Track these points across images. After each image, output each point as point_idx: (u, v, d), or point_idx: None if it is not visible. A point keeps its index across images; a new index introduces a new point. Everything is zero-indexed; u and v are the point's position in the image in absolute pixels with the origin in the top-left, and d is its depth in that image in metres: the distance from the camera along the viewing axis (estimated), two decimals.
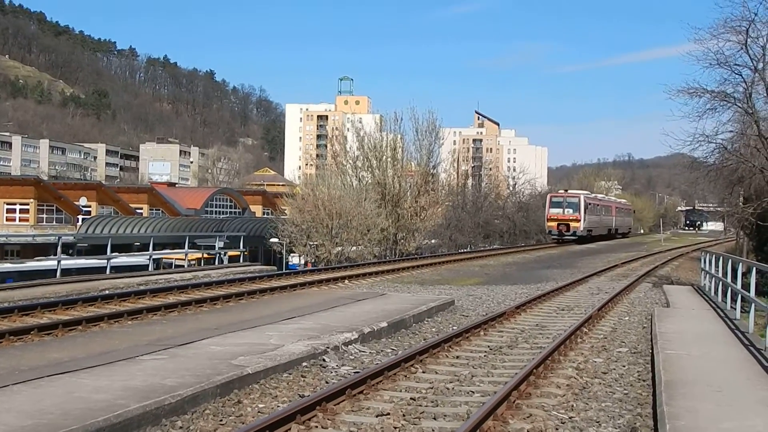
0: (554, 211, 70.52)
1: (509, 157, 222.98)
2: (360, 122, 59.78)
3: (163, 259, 49.57)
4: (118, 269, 35.41)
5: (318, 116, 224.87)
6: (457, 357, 14.94)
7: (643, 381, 13.24)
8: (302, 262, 51.08)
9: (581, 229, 69.20)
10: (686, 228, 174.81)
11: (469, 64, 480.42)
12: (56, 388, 10.45)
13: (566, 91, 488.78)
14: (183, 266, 40.96)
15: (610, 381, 13.17)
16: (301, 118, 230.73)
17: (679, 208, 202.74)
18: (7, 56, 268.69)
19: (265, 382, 12.04)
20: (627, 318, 21.31)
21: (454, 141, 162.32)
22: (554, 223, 69.99)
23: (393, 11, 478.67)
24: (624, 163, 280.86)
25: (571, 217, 69.19)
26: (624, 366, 14.50)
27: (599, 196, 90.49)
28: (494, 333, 17.95)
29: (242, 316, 18.04)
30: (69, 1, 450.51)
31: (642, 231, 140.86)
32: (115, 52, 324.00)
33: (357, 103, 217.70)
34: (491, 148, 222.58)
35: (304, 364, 13.39)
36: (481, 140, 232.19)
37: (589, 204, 73.15)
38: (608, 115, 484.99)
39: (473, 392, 12.08)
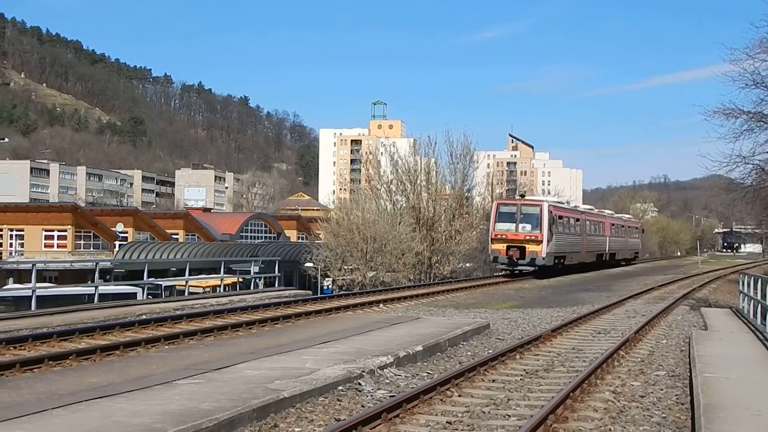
0: (503, 227, 46.70)
1: (544, 179, 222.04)
2: (394, 146, 59.60)
3: (176, 287, 49.79)
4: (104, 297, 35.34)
5: (352, 141, 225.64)
6: (493, 380, 14.87)
7: (682, 404, 13.10)
8: (331, 285, 51.10)
9: (543, 254, 45.90)
10: (724, 250, 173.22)
11: (502, 87, 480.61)
12: (94, 412, 10.53)
13: (600, 114, 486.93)
14: (197, 293, 41.10)
15: (648, 404, 13.05)
16: (334, 143, 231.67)
17: (717, 230, 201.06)
18: (44, 85, 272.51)
19: (301, 405, 12.05)
20: (664, 341, 21.11)
21: (488, 164, 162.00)
22: (501, 246, 46.28)
23: (426, 36, 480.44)
24: (660, 185, 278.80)
25: (527, 236, 46.05)
26: (662, 389, 14.37)
27: (583, 207, 66.36)
28: (530, 356, 17.86)
29: (278, 341, 18.08)
30: (105, 30, 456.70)
31: (678, 253, 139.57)
32: (151, 79, 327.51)
33: (390, 127, 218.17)
34: (525, 171, 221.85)
35: (340, 387, 13.38)
36: (515, 163, 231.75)
37: (560, 217, 49.91)
38: (643, 137, 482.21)
39: (509, 416, 12.02)
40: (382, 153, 65.46)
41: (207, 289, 47.36)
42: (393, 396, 12.93)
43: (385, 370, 15.19)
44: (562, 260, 50.25)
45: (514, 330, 22.98)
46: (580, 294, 37.00)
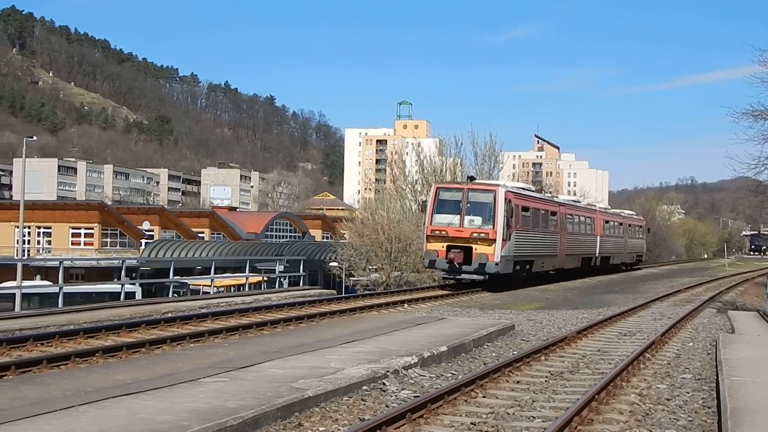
0: (442, 219, 35.00)
1: (569, 180, 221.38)
2: (419, 146, 59.60)
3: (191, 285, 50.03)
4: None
5: (377, 141, 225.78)
6: (518, 382, 14.83)
7: (708, 408, 13.01)
8: (351, 284, 51.07)
9: (497, 258, 33.99)
10: (751, 253, 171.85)
11: (527, 87, 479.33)
12: (120, 409, 10.59)
13: (627, 114, 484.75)
14: (209, 292, 41.26)
15: (674, 408, 12.97)
16: (360, 143, 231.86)
17: (744, 233, 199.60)
18: (72, 83, 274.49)
19: (325, 405, 12.06)
20: (691, 344, 20.98)
21: (514, 165, 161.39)
22: (440, 246, 34.44)
23: (451, 36, 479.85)
24: (687, 187, 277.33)
25: (475, 233, 34.25)
26: (688, 393, 14.28)
27: (564, 198, 53.25)
28: (555, 358, 17.79)
29: (302, 340, 18.11)
30: (132, 29, 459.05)
31: (705, 256, 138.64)
32: (177, 79, 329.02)
33: (416, 127, 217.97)
34: (551, 172, 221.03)
35: (365, 387, 13.38)
36: (540, 164, 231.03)
37: (524, 209, 37.62)
38: (670, 138, 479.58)
39: (534, 417, 11.99)
40: (407, 153, 65.52)
41: (221, 289, 47.57)
42: (417, 396, 12.91)
43: (409, 370, 15.17)
44: (527, 266, 38.46)
45: (538, 331, 22.90)
46: (605, 296, 36.82)
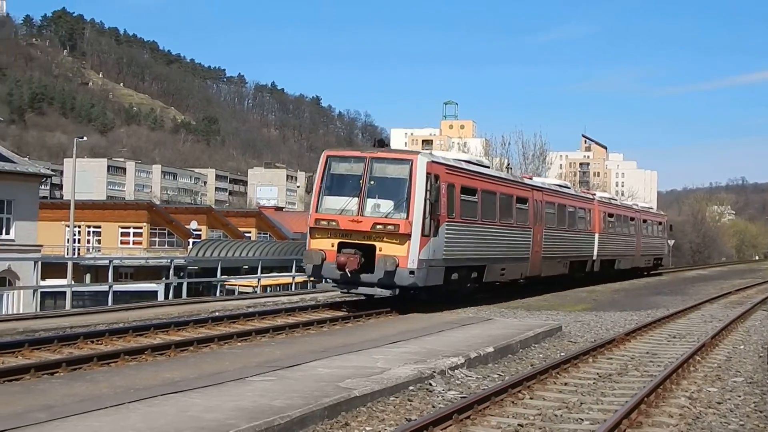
0: (333, 204, 24.69)
1: (617, 181, 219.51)
2: (465, 146, 59.61)
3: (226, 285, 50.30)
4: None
5: (423, 141, 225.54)
6: (565, 384, 14.73)
7: (760, 412, 12.81)
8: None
9: (413, 263, 23.54)
10: None
11: (574, 86, 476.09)
12: (169, 407, 10.68)
13: (676, 114, 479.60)
14: (255, 292, 41.43)
15: (725, 411, 12.79)
16: (405, 143, 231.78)
17: None
18: (121, 84, 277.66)
19: (372, 405, 12.06)
20: (742, 347, 20.68)
21: (561, 165, 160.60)
22: (327, 243, 24.26)
23: (497, 35, 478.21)
24: (737, 187, 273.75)
25: (378, 224, 23.78)
26: (740, 396, 14.07)
27: (540, 180, 39.87)
28: (603, 360, 17.65)
29: (348, 339, 18.14)
30: (180, 31, 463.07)
31: (756, 257, 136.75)
32: (224, 79, 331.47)
33: (462, 127, 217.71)
34: (598, 172, 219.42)
35: (411, 387, 13.36)
36: (588, 164, 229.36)
37: (465, 190, 26.93)
38: (720, 137, 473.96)
39: (582, 420, 11.90)
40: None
41: (256, 289, 47.78)
42: (464, 397, 12.88)
43: (455, 370, 15.13)
44: (473, 274, 28.11)
45: (586, 333, 22.73)
46: (654, 298, 36.48)
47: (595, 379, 15.28)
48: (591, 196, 44.08)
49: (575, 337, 21.83)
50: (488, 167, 32.96)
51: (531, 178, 37.49)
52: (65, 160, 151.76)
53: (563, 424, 11.64)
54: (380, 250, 23.51)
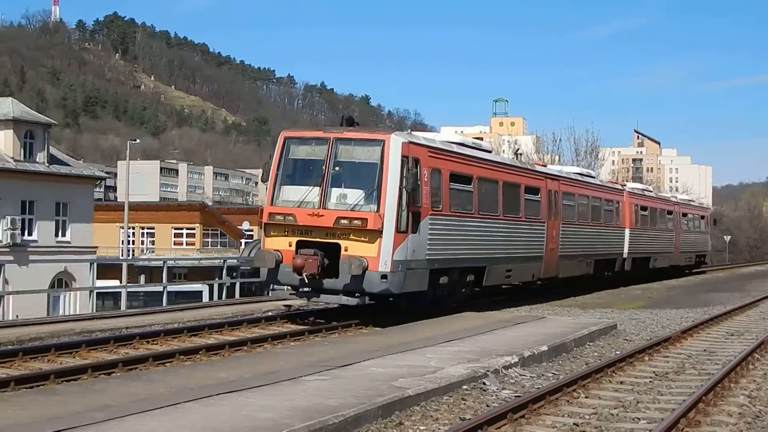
0: (291, 195, 21.06)
1: (671, 176, 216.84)
2: (516, 143, 59.31)
3: None
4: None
5: (473, 138, 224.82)
6: (621, 382, 14.59)
7: None
8: None
9: (386, 265, 19.89)
10: None
11: (625, 81, 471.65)
12: (224, 406, 10.74)
13: (730, 108, 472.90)
14: None
15: None
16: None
17: None
18: (173, 87, 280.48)
19: (425, 404, 12.03)
20: None
21: (613, 161, 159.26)
22: (285, 242, 20.71)
23: (546, 31, 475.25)
24: None
25: (344, 218, 20.14)
26: None
27: (569, 170, 36.27)
28: (659, 358, 17.46)
29: (402, 339, 18.11)
30: (230, 33, 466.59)
31: None
32: (274, 80, 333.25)
33: (512, 124, 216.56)
34: (652, 168, 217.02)
35: (465, 387, 13.32)
36: (641, 160, 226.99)
37: (454, 177, 23.10)
38: None
39: (639, 419, 11.77)
40: (503, 150, 65.13)
41: None
42: (518, 396, 12.81)
43: (509, 369, 15.06)
44: (468, 277, 24.57)
45: (641, 331, 22.50)
46: (710, 294, 36.00)
47: (651, 377, 15.11)
48: (620, 187, 40.38)
49: (630, 335, 21.61)
50: (489, 151, 27.79)
51: (545, 166, 33.52)
52: (119, 162, 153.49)
53: (619, 423, 11.52)
54: (345, 250, 19.92)
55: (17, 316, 33.39)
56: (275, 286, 26.29)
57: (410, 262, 20.65)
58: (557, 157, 58.52)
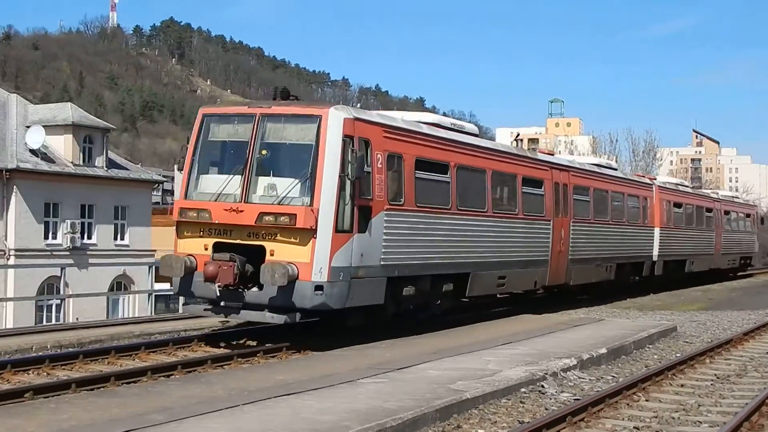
0: (208, 185, 17.50)
1: (731, 176, 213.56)
2: (572, 144, 58.88)
3: None
4: None
5: (529, 139, 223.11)
6: (682, 385, 14.39)
7: None
8: None
9: (321, 273, 16.07)
10: None
11: (683, 80, 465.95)
12: (282, 408, 10.78)
13: None
14: None
15: None
16: (511, 142, 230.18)
17: None
18: (228, 91, 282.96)
19: (483, 407, 11.96)
20: None
21: (671, 161, 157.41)
22: (199, 245, 16.95)
23: (601, 30, 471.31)
24: None
25: (268, 214, 16.25)
26: None
27: (583, 160, 34.98)
28: (720, 360, 17.21)
29: (458, 341, 18.05)
30: (285, 37, 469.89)
31: None
32: (329, 83, 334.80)
33: (568, 125, 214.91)
34: (711, 168, 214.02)
35: (523, 389, 13.22)
36: (699, 160, 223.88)
37: (420, 164, 19.02)
38: None
39: (700, 422, 11.60)
40: (560, 151, 64.57)
41: None
42: (577, 399, 12.69)
43: (568, 372, 14.93)
44: (445, 286, 20.54)
45: (702, 333, 22.19)
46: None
47: (712, 380, 14.89)
48: (649, 181, 35.76)
49: (690, 337, 21.34)
50: (475, 135, 22.85)
51: (552, 154, 29.40)
52: (176, 166, 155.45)
53: (680, 426, 11.37)
54: (271, 254, 16.20)
55: (77, 318, 33.82)
56: (188, 300, 19.46)
57: (357, 269, 16.87)
58: (614, 158, 57.93)
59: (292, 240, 16.12)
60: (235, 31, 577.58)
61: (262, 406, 10.90)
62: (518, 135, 35.92)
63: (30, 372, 14.34)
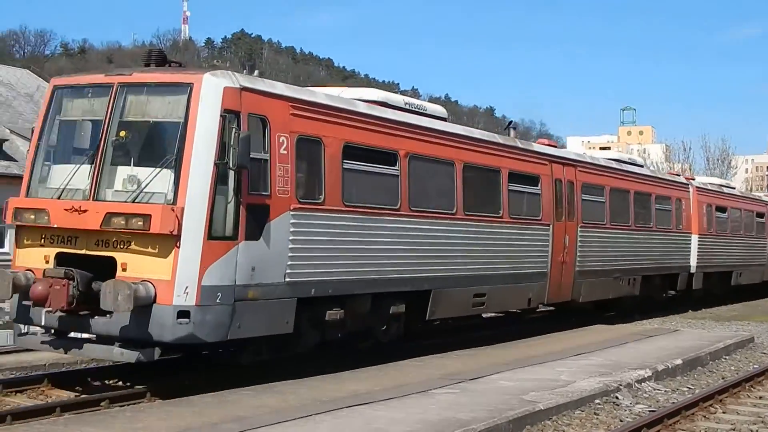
0: (56, 179, 13.60)
1: None
2: (645, 152, 58.31)
3: None
4: None
5: (600, 148, 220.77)
6: (760, 397, 14.16)
7: None
8: None
9: (186, 291, 12.15)
10: None
11: (761, 86, 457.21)
12: (354, 419, 10.83)
13: None
14: None
15: None
16: (583, 151, 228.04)
17: None
18: None
19: (557, 418, 11.87)
20: None
21: (747, 169, 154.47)
22: (38, 257, 13.14)
23: (675, 37, 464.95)
24: None
25: (118, 217, 12.35)
26: None
27: (598, 154, 29.86)
28: None
29: (531, 352, 17.95)
30: (354, 48, 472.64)
31: None
32: (399, 93, 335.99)
33: (640, 133, 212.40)
34: None
35: (597, 401, 13.09)
36: None
37: (347, 147, 15.01)
38: None
39: None
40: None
41: None
42: (652, 411, 12.54)
43: (643, 383, 14.74)
44: (394, 307, 16.56)
45: None
46: None
47: None
48: (685, 181, 31.31)
49: None
50: (442, 118, 18.55)
51: (555, 146, 24.36)
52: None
53: None
54: (123, 269, 12.46)
55: None
56: (24, 328, 13.79)
57: (246, 288, 12.97)
58: (688, 167, 57.17)
59: (150, 250, 12.31)
60: (305, 42, 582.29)
61: (335, 416, 10.95)
62: (511, 122, 29.26)
63: None
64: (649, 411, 12.63)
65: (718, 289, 33.13)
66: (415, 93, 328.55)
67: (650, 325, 24.93)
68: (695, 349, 18.58)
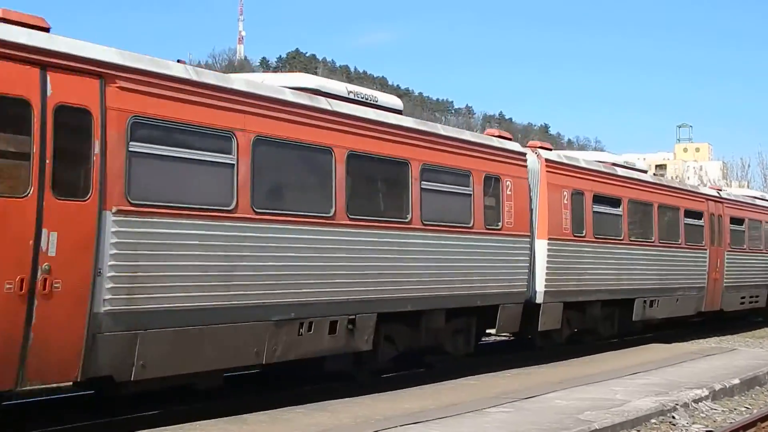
0: None
1: None
2: (701, 169, 57.64)
3: None
4: None
5: (656, 165, 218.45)
6: None
7: None
8: None
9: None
10: None
11: None
12: None
13: None
14: None
15: None
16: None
17: None
18: None
19: None
20: None
21: None
22: None
23: (732, 55, 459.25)
24: None
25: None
26: None
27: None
28: None
29: (585, 371, 17.85)
30: (408, 66, 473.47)
31: None
32: (453, 111, 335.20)
33: (697, 150, 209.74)
34: None
35: (653, 420, 12.98)
36: None
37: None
38: None
39: None
40: (688, 177, 63.29)
41: None
42: (710, 431, 12.41)
43: (699, 403, 14.59)
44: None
45: None
46: None
47: None
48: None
49: None
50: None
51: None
52: None
53: None
54: None
55: None
56: None
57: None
58: (746, 184, 56.41)
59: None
60: (359, 61, 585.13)
61: None
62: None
63: None
64: (706, 431, 12.51)
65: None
66: (469, 110, 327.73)
67: (707, 344, 24.65)
68: (753, 368, 18.33)
